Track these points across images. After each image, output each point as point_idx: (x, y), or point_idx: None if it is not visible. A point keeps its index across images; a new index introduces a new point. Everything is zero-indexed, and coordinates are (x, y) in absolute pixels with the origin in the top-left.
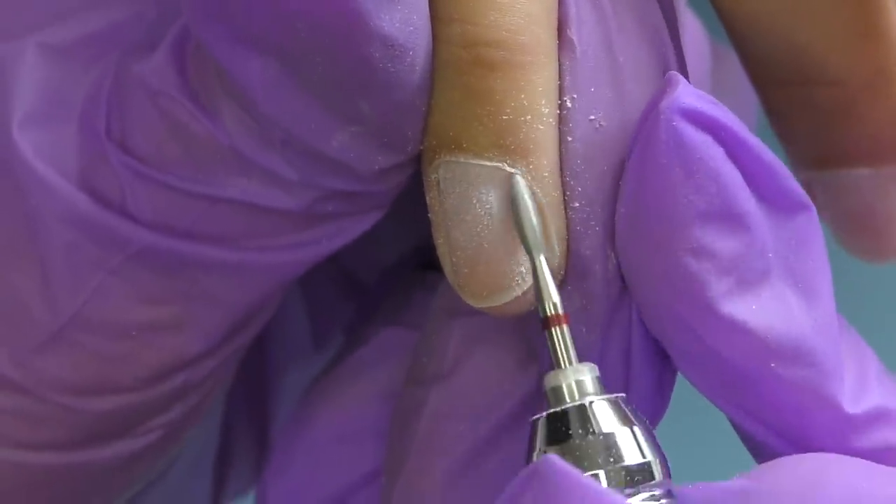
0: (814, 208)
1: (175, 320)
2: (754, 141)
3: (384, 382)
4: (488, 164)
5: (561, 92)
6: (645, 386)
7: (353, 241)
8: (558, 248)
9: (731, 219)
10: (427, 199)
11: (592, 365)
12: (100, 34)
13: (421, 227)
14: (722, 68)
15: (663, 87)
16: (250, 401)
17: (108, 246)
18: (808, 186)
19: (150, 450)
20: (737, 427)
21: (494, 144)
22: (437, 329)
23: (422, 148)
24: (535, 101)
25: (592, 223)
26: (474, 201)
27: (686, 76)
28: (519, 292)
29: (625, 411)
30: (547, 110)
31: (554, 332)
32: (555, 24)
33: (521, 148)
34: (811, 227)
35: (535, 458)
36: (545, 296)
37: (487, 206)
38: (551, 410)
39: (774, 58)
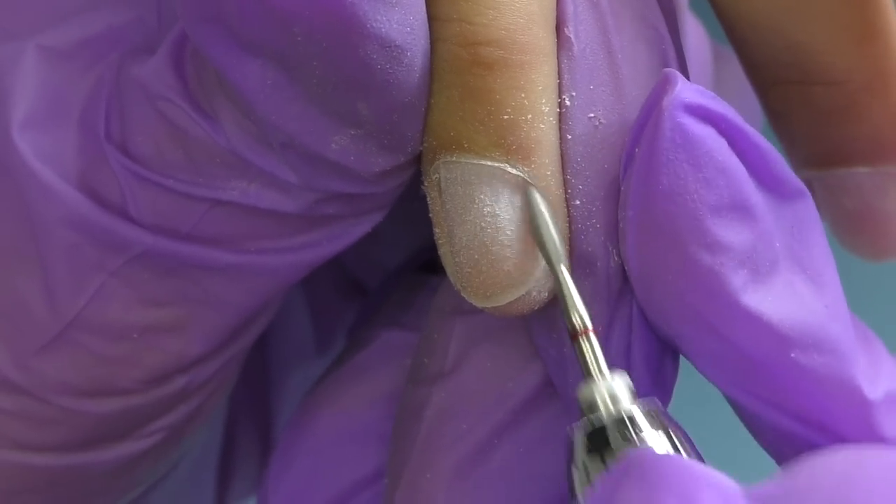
0: (809, 194)
1: (176, 323)
2: (751, 130)
3: (386, 384)
4: (489, 163)
5: (560, 90)
6: (646, 383)
7: (355, 244)
8: (562, 248)
9: (740, 210)
10: (428, 199)
11: (623, 371)
12: (99, 37)
13: (423, 228)
14: (724, 69)
15: (662, 85)
16: (253, 402)
17: (109, 248)
18: (808, 185)
19: (151, 452)
20: (751, 420)
21: (495, 144)
22: (438, 328)
23: (422, 148)
24: (535, 99)
25: (593, 220)
26: (476, 201)
27: (686, 74)
28: (523, 291)
29: (659, 416)
30: (547, 109)
31: (583, 343)
32: (553, 22)
33: (522, 147)
34: (809, 212)
35: (574, 469)
36: (570, 307)
37: (489, 206)
38: (587, 422)
39: (774, 57)
